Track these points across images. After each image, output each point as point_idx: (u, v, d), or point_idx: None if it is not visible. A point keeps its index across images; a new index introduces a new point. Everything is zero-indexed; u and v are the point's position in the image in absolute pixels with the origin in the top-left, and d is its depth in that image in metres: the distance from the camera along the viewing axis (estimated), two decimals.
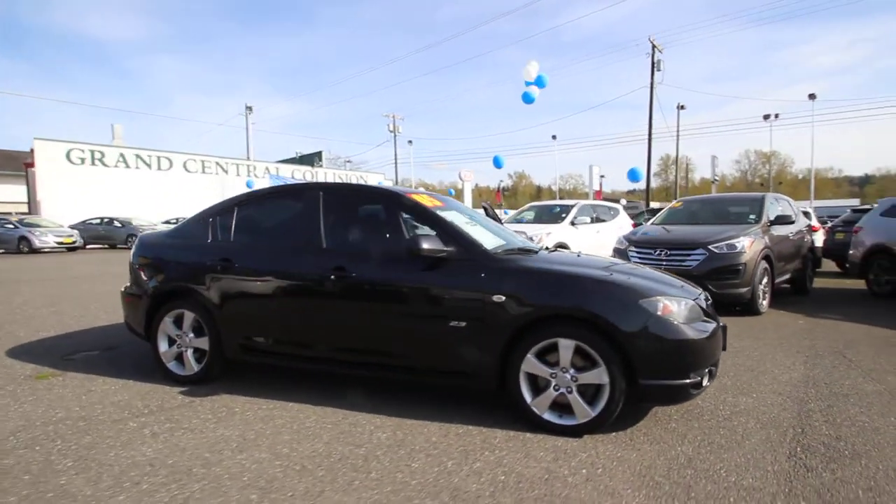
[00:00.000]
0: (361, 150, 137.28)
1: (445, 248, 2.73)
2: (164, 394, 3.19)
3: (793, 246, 6.86)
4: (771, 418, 2.75)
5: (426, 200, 3.09)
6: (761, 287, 5.71)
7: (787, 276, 6.76)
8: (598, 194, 46.32)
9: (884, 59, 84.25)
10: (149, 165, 28.07)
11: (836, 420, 2.72)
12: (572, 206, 9.53)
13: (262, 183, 30.74)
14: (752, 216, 6.39)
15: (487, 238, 3.07)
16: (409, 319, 2.81)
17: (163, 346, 3.42)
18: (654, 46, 27.97)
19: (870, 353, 4.00)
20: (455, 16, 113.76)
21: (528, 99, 12.62)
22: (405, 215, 3.12)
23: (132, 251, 3.75)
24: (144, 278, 3.55)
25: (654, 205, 27.66)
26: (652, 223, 7.27)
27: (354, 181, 38.67)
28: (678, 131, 31.56)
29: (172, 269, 3.46)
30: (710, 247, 5.60)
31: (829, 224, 11.77)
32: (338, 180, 37.56)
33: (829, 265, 10.17)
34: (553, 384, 2.55)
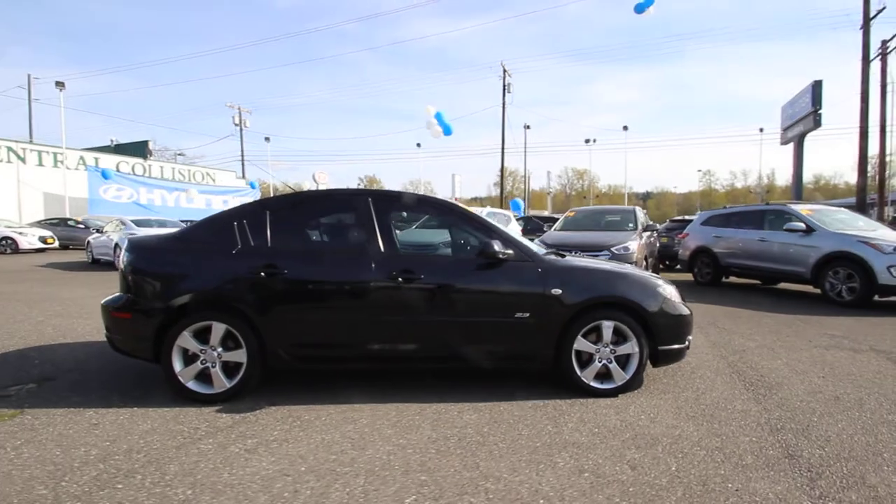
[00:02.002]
0: (196, 142, 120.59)
1: (507, 252, 3.18)
2: (201, 414, 2.91)
3: (651, 247, 8.86)
4: (716, 369, 3.85)
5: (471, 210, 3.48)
6: None
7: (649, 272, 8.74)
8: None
9: (660, 100, 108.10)
10: None
11: (753, 365, 3.95)
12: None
13: (78, 175, 25.26)
14: (630, 224, 8.11)
15: (526, 242, 3.58)
16: (479, 314, 3.17)
17: (178, 365, 3.08)
18: (504, 70, 31.46)
19: (733, 324, 5.64)
20: (296, 7, 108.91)
21: (446, 131, 13.53)
22: (464, 223, 3.44)
23: (125, 258, 3.24)
24: (152, 290, 3.13)
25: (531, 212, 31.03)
26: (555, 229, 8.59)
27: (200, 178, 34.43)
28: (525, 148, 35.86)
29: (195, 279, 3.13)
30: (612, 248, 6.99)
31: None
32: (177, 176, 32.98)
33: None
34: (597, 358, 3.20)
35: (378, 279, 3.10)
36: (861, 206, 17.97)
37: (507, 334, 3.18)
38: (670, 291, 3.36)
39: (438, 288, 3.14)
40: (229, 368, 3.11)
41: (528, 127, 35.31)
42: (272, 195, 3.65)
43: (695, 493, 2.06)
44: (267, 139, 35.02)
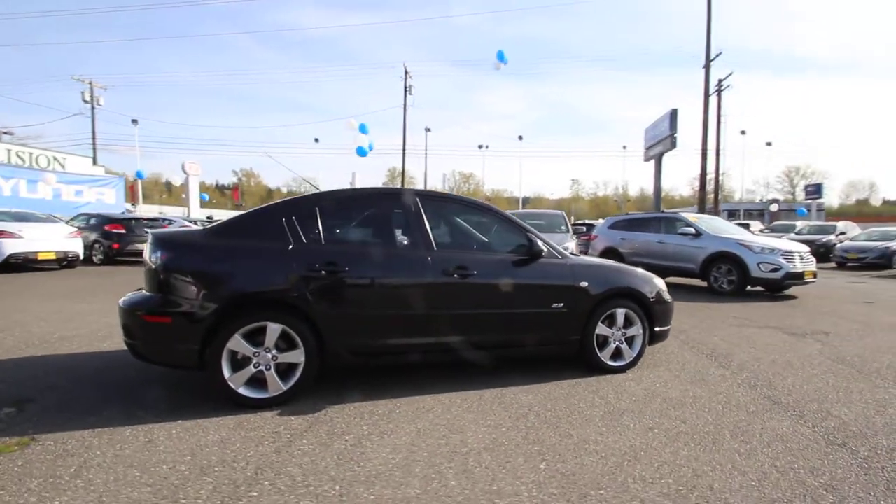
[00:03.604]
0: (31, 119, 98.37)
1: (545, 249, 3.57)
2: (264, 419, 2.79)
3: (579, 247, 9.99)
4: (676, 347, 4.69)
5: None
6: None
7: None
8: None
9: (538, 112, 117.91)
10: None
11: (700, 343, 4.88)
12: None
13: None
14: (562, 226, 9.07)
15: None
16: (525, 306, 3.50)
17: (227, 370, 2.90)
18: (406, 72, 31.83)
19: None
20: None
21: (361, 152, 13.30)
22: (503, 222, 3.72)
23: (158, 256, 2.92)
24: (198, 290, 2.88)
25: None
26: None
27: (45, 163, 28.60)
28: (426, 151, 36.56)
29: (246, 277, 2.95)
30: None
31: None
32: (14, 159, 27.04)
33: None
34: (611, 340, 3.76)
35: (436, 276, 3.26)
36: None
37: (546, 323, 3.58)
38: (661, 283, 4.06)
39: (489, 283, 3.41)
40: (280, 371, 3.02)
41: (429, 130, 36.22)
42: (320, 191, 3.54)
43: (738, 433, 2.67)
44: (135, 122, 30.56)
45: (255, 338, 2.95)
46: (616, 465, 2.32)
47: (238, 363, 2.94)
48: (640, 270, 4.05)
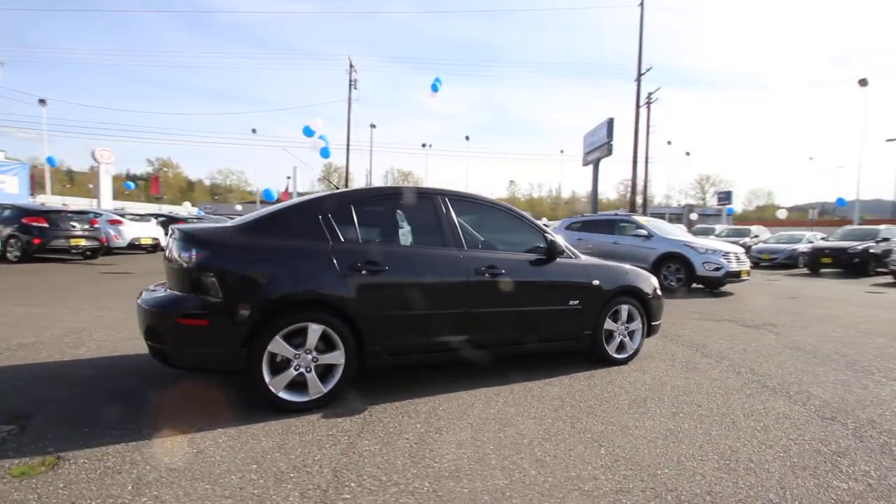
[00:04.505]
0: None
1: (564, 250, 3.78)
2: (310, 422, 2.73)
3: None
4: (657, 340, 5.12)
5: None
6: None
7: None
8: (285, 194, 46.33)
9: (479, 113, 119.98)
10: None
11: (677, 335, 5.35)
12: None
13: None
14: None
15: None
16: (547, 303, 3.68)
17: (267, 374, 2.79)
18: (351, 65, 31.17)
19: None
20: None
21: (325, 153, 12.95)
22: (522, 223, 3.85)
23: (191, 254, 2.73)
24: (239, 290, 2.74)
25: None
26: None
27: None
28: (371, 147, 36.00)
29: (288, 277, 2.85)
30: None
31: None
32: None
33: None
34: (617, 334, 4.06)
35: (469, 275, 3.34)
36: None
37: (565, 319, 3.78)
38: (656, 281, 4.42)
39: (517, 281, 3.55)
40: (318, 373, 2.96)
41: (374, 126, 35.69)
42: (348, 188, 3.47)
43: (749, 414, 3.02)
44: (42, 102, 27.22)
45: (294, 339, 2.87)
46: (664, 446, 2.55)
47: (276, 366, 2.84)
48: (639, 269, 4.39)
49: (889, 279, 12.25)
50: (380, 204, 3.38)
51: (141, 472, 2.17)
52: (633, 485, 2.15)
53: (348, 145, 30.96)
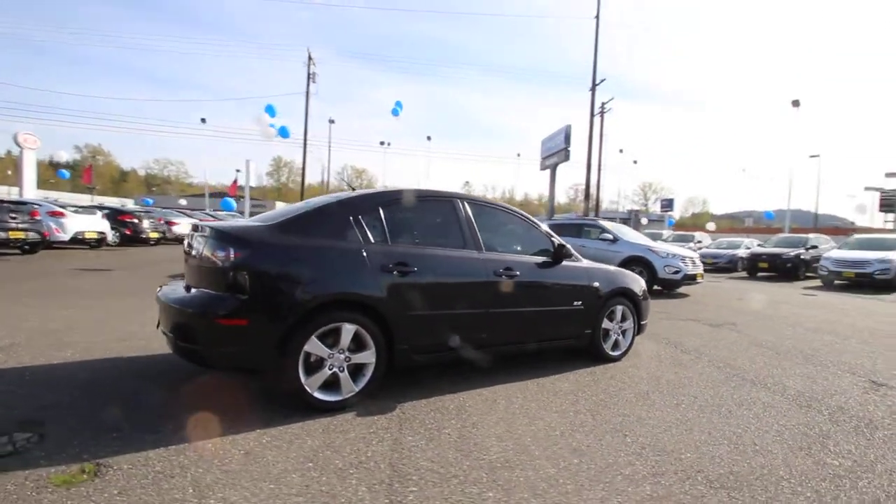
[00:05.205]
0: None
1: (573, 252, 4.01)
2: (346, 422, 2.78)
3: None
4: (653, 339, 5.50)
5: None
6: None
7: None
8: (233, 188, 44.43)
9: (432, 112, 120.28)
10: None
11: (654, 334, 5.76)
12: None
13: None
14: None
15: None
16: (555, 303, 3.89)
17: (303, 374, 2.81)
18: (310, 57, 30.42)
19: None
20: None
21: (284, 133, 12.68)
22: (529, 226, 4.04)
23: (230, 254, 2.68)
24: (278, 290, 2.73)
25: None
26: None
27: None
28: (330, 143, 35.28)
29: (324, 276, 2.86)
30: None
31: None
32: None
33: None
34: (612, 333, 4.35)
35: (488, 276, 3.49)
36: None
37: (570, 319, 4.02)
38: (644, 282, 4.76)
39: (529, 282, 3.73)
40: (350, 372, 3.00)
41: (333, 121, 35.02)
42: (372, 190, 3.51)
43: (740, 403, 3.36)
44: None
45: (326, 339, 2.89)
46: (679, 433, 2.82)
47: (310, 366, 2.86)
48: (629, 272, 4.71)
49: (818, 283, 13.64)
50: (405, 205, 3.45)
51: (196, 475, 2.15)
52: (664, 468, 2.39)
53: (305, 140, 30.21)
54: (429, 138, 38.17)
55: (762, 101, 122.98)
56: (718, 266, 17.34)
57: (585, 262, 4.29)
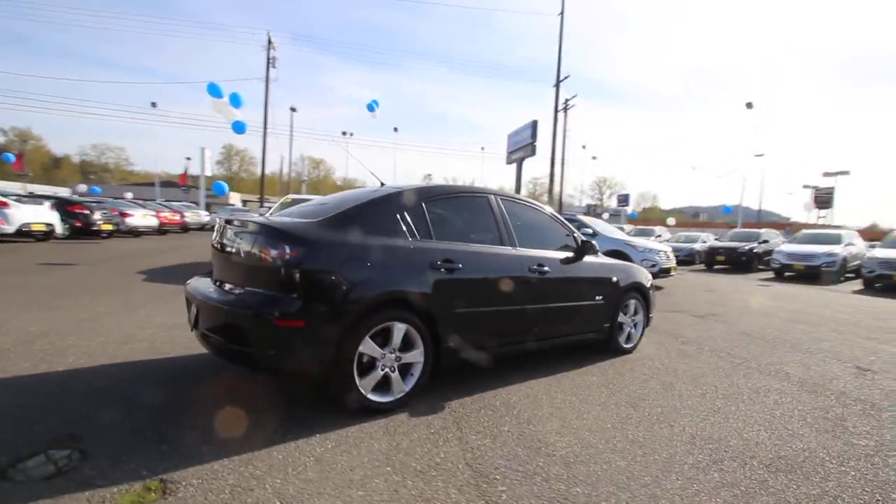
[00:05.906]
0: None
1: (598, 247, 4.11)
2: (403, 423, 2.75)
3: None
4: (654, 331, 5.73)
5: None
6: None
7: None
8: (183, 178, 42.28)
9: (390, 102, 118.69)
10: None
11: (652, 326, 6.02)
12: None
13: None
14: None
15: None
16: (581, 298, 3.99)
17: (357, 375, 2.74)
18: (270, 41, 29.22)
19: None
20: None
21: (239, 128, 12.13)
22: (554, 222, 4.09)
23: (284, 252, 2.56)
24: (335, 289, 2.63)
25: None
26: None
27: None
28: (291, 133, 34.07)
29: (377, 275, 2.79)
30: None
31: None
32: None
33: None
34: (626, 326, 4.51)
35: (524, 272, 3.53)
36: None
37: (593, 313, 4.13)
38: (651, 277, 4.96)
39: (559, 278, 3.80)
40: (402, 371, 2.97)
41: (295, 110, 33.89)
42: (415, 185, 3.43)
43: (758, 391, 3.59)
44: None
45: (376, 339, 2.84)
46: (717, 422, 2.98)
47: (362, 367, 2.80)
48: (641, 267, 4.89)
49: (770, 275, 14.68)
50: (445, 201, 3.41)
51: (276, 486, 2.07)
52: (720, 455, 2.52)
53: (265, 128, 29.05)
54: (395, 129, 37.62)
55: (712, 100, 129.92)
56: (678, 259, 18.24)
57: (602, 258, 4.42)
